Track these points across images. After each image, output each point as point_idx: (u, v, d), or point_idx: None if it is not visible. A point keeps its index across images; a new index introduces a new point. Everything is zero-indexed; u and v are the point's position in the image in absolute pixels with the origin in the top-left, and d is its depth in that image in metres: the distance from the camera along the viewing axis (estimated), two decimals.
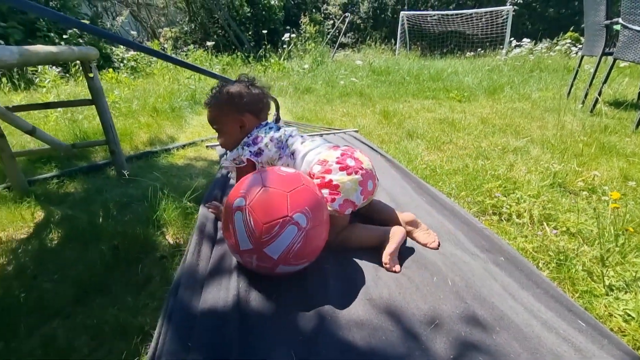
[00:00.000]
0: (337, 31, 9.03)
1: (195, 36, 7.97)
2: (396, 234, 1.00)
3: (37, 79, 3.47)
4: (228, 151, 1.23)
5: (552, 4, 9.47)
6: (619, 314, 0.82)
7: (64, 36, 4.87)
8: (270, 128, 1.18)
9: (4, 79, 3.55)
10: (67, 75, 3.99)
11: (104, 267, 1.03)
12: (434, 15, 8.96)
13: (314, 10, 10.30)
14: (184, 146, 2.25)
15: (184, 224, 1.28)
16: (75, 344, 0.79)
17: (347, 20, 8.81)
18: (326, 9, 10.65)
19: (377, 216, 1.15)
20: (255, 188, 0.83)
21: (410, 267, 0.96)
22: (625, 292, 0.88)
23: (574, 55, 6.07)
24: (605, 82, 2.62)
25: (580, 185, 1.46)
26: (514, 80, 4.39)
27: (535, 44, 6.70)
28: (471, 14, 8.37)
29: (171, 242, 1.19)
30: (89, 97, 1.60)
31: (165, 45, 6.84)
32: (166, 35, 8.12)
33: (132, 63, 5.27)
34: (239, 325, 0.76)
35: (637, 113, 2.29)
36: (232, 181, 1.55)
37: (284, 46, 6.56)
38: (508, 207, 1.29)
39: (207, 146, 2.25)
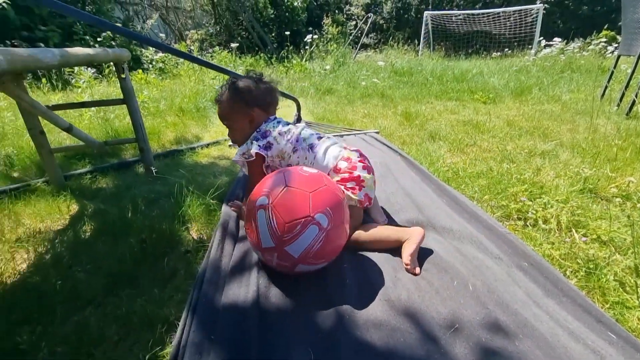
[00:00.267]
0: (359, 32, 9.00)
1: (220, 38, 8.16)
2: (415, 235, 1.00)
3: (73, 80, 3.66)
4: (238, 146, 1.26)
5: (586, 1, 9.04)
6: None
7: (98, 39, 5.13)
8: (279, 122, 1.21)
9: (43, 80, 3.77)
10: (101, 76, 4.19)
11: (132, 260, 1.08)
12: (459, 15, 8.76)
13: (336, 11, 10.31)
14: (208, 145, 2.31)
15: (207, 220, 1.32)
16: (105, 332, 0.84)
17: (369, 20, 8.75)
18: (349, 10, 10.63)
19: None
20: (279, 187, 0.85)
21: (430, 270, 0.95)
22: None
23: (610, 55, 5.76)
24: None
25: (614, 192, 1.40)
26: (542, 81, 4.22)
27: (566, 43, 6.41)
28: (499, 13, 8.13)
29: (195, 237, 1.23)
30: (121, 97, 1.68)
31: (192, 47, 7.06)
32: (193, 37, 8.36)
33: (160, 64, 5.47)
34: (258, 322, 0.78)
35: None
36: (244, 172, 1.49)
37: (306, 47, 6.61)
38: (534, 212, 1.24)
39: (229, 145, 2.31)
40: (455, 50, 9.01)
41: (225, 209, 1.29)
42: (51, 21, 4.87)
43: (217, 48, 6.87)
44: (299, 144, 1.15)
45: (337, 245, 0.89)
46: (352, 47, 8.04)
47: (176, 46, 6.97)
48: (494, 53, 7.74)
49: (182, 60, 5.24)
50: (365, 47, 9.70)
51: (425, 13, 8.68)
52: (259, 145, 1.14)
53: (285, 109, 3.08)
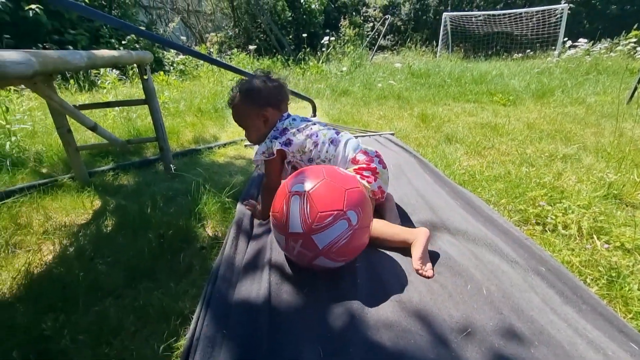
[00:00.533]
0: (376, 34, 8.96)
1: (239, 40, 8.30)
2: (420, 236, 0.99)
3: (99, 81, 3.81)
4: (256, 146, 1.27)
5: (615, 0, 8.68)
6: None
7: (123, 42, 5.32)
8: (294, 119, 1.23)
9: (71, 81, 3.94)
10: (124, 77, 4.34)
11: (150, 254, 1.12)
12: (479, 16, 8.59)
13: (354, 13, 10.30)
14: (224, 145, 2.36)
15: (222, 217, 1.35)
16: (123, 322, 0.87)
17: (387, 22, 8.71)
18: (366, 12, 10.60)
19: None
20: (318, 179, 0.88)
21: (443, 273, 0.94)
22: None
23: (639, 56, 5.52)
24: None
25: None
26: (566, 83, 4.09)
27: (592, 44, 6.18)
28: (521, 14, 7.92)
29: (210, 234, 1.26)
30: (143, 97, 1.74)
31: (212, 50, 7.21)
32: (212, 40, 8.54)
33: (181, 66, 5.62)
34: (269, 319, 0.79)
35: None
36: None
37: (323, 49, 6.64)
38: (553, 217, 1.21)
39: (245, 145, 2.34)
40: (474, 51, 8.83)
41: (240, 207, 1.31)
42: (80, 25, 5.09)
43: (235, 50, 6.98)
44: (319, 138, 1.17)
45: (360, 245, 0.91)
46: (369, 49, 8.02)
47: (197, 48, 7.14)
48: (515, 54, 7.54)
49: (201, 62, 5.36)
50: (382, 48, 9.65)
51: (444, 14, 8.55)
52: (280, 143, 1.16)
53: (301, 110, 3.11)
